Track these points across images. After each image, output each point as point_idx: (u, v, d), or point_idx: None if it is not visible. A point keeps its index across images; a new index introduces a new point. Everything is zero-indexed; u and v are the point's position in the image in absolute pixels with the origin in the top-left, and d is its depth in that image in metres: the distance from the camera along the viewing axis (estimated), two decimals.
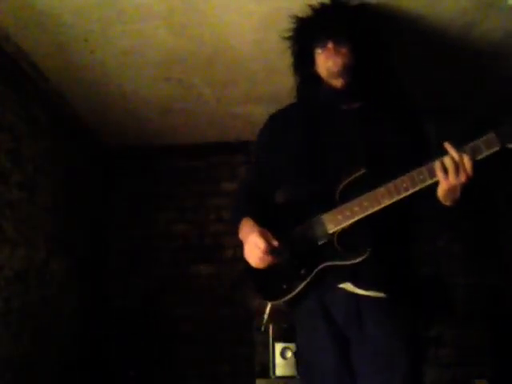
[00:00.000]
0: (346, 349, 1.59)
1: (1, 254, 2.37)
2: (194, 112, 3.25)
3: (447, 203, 1.48)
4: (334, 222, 1.57)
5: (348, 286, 1.57)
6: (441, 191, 1.46)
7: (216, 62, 2.65)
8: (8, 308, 2.40)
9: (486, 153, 1.37)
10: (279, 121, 1.86)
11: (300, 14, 1.94)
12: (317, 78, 1.81)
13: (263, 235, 1.56)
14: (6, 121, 2.48)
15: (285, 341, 2.96)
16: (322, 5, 1.94)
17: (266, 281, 1.73)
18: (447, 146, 1.41)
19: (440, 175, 1.42)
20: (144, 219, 3.72)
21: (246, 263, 1.72)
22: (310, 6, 1.94)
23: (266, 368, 3.07)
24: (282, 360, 2.96)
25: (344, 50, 1.74)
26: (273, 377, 2.98)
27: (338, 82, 1.74)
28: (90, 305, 3.35)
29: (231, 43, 2.46)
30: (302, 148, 1.73)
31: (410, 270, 1.64)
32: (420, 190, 1.47)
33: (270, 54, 2.52)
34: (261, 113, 3.10)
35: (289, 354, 2.97)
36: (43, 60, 2.61)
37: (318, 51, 1.78)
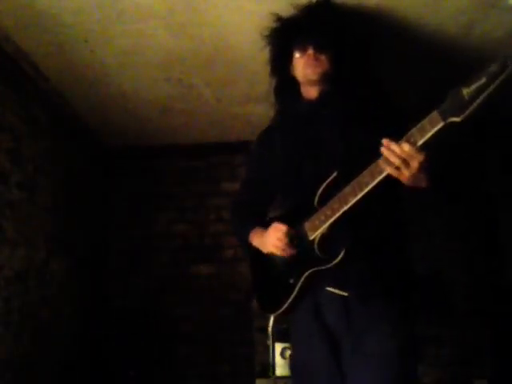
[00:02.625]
0: (338, 349, 1.60)
1: (1, 254, 2.37)
2: (193, 112, 3.25)
3: (422, 185, 1.44)
4: (313, 229, 1.58)
5: (334, 289, 1.58)
6: (403, 182, 1.42)
7: (216, 62, 2.65)
8: (8, 308, 2.40)
9: (431, 131, 1.33)
10: (266, 136, 1.90)
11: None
12: (293, 82, 1.80)
13: (279, 226, 1.64)
14: (6, 121, 2.48)
15: (285, 341, 2.96)
16: (308, 5, 1.90)
17: (265, 295, 1.78)
18: (384, 141, 1.38)
19: (390, 170, 1.39)
20: (144, 219, 3.72)
21: (252, 279, 1.82)
22: (295, 5, 1.90)
23: (266, 368, 3.07)
24: (282, 360, 2.97)
25: (323, 58, 1.71)
26: (273, 377, 2.98)
27: (314, 91, 1.74)
28: (89, 305, 3.35)
29: (231, 43, 2.46)
30: (284, 162, 1.75)
31: (398, 269, 1.62)
32: (380, 181, 1.43)
33: None
34: (261, 113, 3.12)
35: (288, 354, 2.97)
36: (43, 60, 2.61)
37: (297, 55, 1.75)
